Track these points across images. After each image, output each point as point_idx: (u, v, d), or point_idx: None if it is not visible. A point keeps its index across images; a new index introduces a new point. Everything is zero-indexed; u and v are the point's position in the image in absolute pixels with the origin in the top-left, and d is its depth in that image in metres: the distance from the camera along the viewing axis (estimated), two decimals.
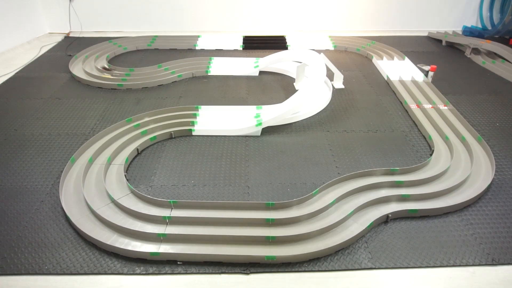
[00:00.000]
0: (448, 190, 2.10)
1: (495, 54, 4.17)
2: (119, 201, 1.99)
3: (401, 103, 3.23)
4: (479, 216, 2.00)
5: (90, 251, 1.78)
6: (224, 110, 3.00)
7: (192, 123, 2.79)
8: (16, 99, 3.27)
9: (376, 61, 4.09)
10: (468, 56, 4.31)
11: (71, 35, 5.13)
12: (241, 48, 4.59)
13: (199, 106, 3.00)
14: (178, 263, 1.73)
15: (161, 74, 3.68)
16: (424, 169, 2.32)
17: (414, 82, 3.53)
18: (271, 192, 2.19)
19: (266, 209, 1.97)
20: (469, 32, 5.12)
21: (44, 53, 4.42)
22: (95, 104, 3.18)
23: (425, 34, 5.20)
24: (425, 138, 2.72)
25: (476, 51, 4.30)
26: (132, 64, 4.07)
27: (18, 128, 2.82)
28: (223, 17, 5.26)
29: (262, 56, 4.04)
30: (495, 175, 2.27)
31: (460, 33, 5.21)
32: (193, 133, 2.75)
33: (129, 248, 1.74)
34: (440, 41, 4.85)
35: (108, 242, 1.76)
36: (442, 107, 3.03)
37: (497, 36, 4.95)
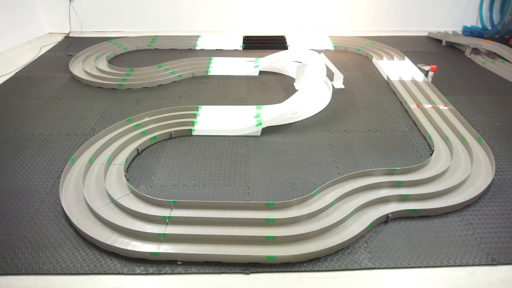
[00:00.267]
0: (448, 190, 2.10)
1: (495, 54, 4.17)
2: (119, 201, 1.99)
3: (401, 103, 3.23)
4: (479, 216, 2.00)
5: (90, 251, 1.79)
6: (224, 110, 3.00)
7: (192, 123, 2.79)
8: (16, 99, 3.27)
9: (376, 61, 4.09)
10: (468, 56, 4.31)
11: (71, 35, 5.13)
12: (241, 48, 4.59)
13: (199, 106, 3.00)
14: (178, 263, 1.73)
15: (161, 74, 3.68)
16: (424, 169, 2.32)
17: (414, 82, 3.53)
18: (271, 192, 2.19)
19: (266, 209, 1.97)
20: (469, 32, 5.12)
21: (44, 53, 4.42)
22: (95, 104, 3.18)
23: (425, 34, 5.20)
24: (425, 138, 2.72)
25: (476, 51, 4.30)
26: (132, 64, 4.07)
27: (18, 128, 2.82)
28: (223, 17, 5.26)
29: (262, 56, 4.04)
30: (495, 175, 2.27)
31: (460, 33, 5.21)
32: (193, 133, 2.75)
33: (129, 248, 1.74)
34: (440, 41, 4.85)
35: (108, 242, 1.76)
36: (442, 107, 3.03)
37: (497, 36, 4.95)
